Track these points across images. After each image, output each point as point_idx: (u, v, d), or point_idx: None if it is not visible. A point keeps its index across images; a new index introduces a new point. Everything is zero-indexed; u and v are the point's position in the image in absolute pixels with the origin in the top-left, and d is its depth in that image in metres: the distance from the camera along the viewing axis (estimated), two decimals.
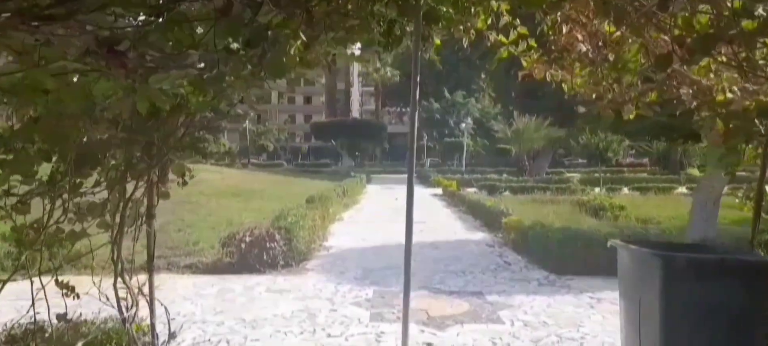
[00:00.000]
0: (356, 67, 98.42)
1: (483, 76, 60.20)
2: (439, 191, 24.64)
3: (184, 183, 3.58)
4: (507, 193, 22.83)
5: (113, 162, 2.88)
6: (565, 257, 7.46)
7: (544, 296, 6.24)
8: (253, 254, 7.56)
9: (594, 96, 3.09)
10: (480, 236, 11.14)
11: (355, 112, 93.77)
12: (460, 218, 14.41)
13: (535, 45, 3.50)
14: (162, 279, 7.02)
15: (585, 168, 45.34)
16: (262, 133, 76.07)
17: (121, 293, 3.23)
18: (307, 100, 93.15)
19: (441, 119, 58.12)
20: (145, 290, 3.72)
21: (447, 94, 57.62)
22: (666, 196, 20.59)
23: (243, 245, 7.55)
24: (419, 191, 27.80)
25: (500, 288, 6.58)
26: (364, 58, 3.22)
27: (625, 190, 23.72)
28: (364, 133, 56.50)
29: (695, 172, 33.81)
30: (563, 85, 3.40)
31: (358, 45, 3.59)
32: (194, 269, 7.71)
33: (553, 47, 3.33)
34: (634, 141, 31.73)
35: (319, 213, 11.29)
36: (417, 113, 4.08)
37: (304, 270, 7.66)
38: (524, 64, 3.57)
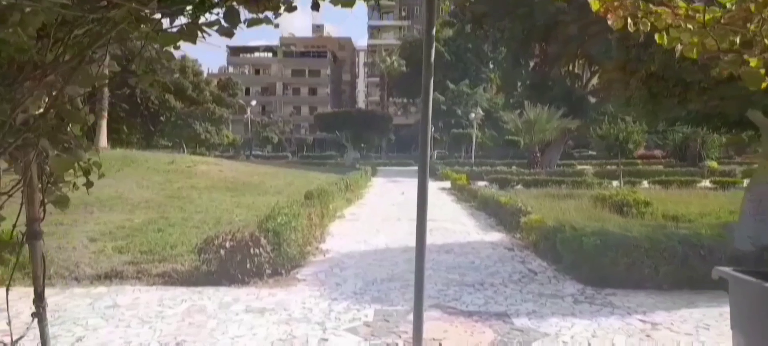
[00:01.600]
0: (362, 57, 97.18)
1: (491, 65, 58.90)
2: (448, 184, 23.45)
3: (89, 185, 2.43)
4: (519, 186, 21.65)
5: None
6: (603, 267, 6.29)
7: (584, 318, 5.07)
8: (234, 262, 6.44)
9: (723, 46, 1.91)
10: (496, 236, 9.96)
11: (361, 104, 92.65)
12: (473, 215, 13.23)
13: None
14: (126, 293, 5.92)
15: (595, 160, 44.00)
16: (267, 125, 75.23)
17: None
18: (313, 91, 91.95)
19: (448, 110, 56.77)
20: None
21: (451, 85, 56.21)
22: (690, 190, 19.30)
23: (222, 252, 6.42)
24: None
25: (529, 307, 5.41)
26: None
27: (645, 183, 22.41)
28: (370, 124, 55.31)
29: (714, 164, 32.46)
30: (658, 37, 2.20)
31: None
32: (167, 278, 6.59)
33: None
34: (650, 131, 30.43)
35: (317, 211, 10.17)
36: (432, 82, 2.93)
37: (293, 280, 6.52)
38: (593, 6, 2.38)
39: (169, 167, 19.55)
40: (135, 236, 8.75)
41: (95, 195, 13.26)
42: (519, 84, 38.78)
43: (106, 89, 32.00)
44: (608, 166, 34.08)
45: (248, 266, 6.44)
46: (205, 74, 61.24)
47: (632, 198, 13.79)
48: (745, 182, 16.92)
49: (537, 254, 8.20)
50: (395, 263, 7.43)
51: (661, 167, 33.72)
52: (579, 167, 35.02)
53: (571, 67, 36.91)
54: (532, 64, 36.95)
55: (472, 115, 39.88)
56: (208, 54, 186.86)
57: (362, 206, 15.51)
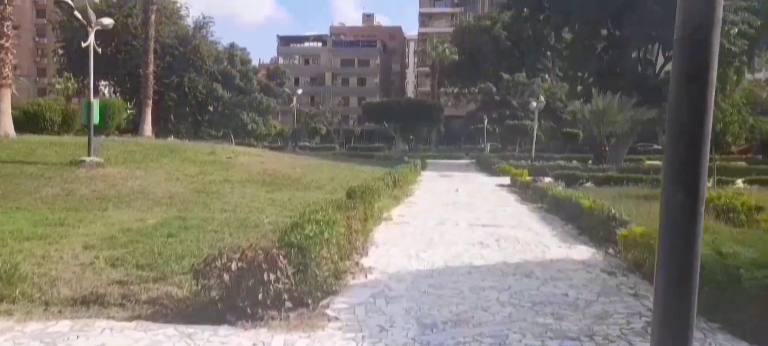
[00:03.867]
0: (412, 46, 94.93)
1: (549, 53, 55.50)
2: (507, 180, 21.24)
3: None
4: (589, 184, 19.16)
5: None
6: None
7: None
8: (243, 289, 4.74)
9: None
10: (585, 252, 7.87)
11: (410, 94, 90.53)
12: (544, 220, 11.12)
13: None
14: (92, 335, 4.29)
15: (662, 154, 40.18)
16: (315, 116, 74.47)
17: None
18: (361, 81, 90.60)
19: (501, 100, 54.02)
20: None
21: (505, 75, 53.50)
22: None
23: (227, 276, 4.73)
24: (482, 179, 24.45)
25: None
26: None
27: (739, 182, 19.44)
28: (419, 114, 53.25)
29: None
30: None
31: None
32: (157, 307, 4.97)
33: None
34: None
35: (360, 212, 8.39)
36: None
37: (321, 319, 4.75)
38: None
39: (207, 158, 18.30)
40: (139, 242, 7.21)
41: (117, 189, 12.00)
42: (581, 72, 35.85)
43: (151, 77, 31.46)
44: None
45: (261, 296, 4.73)
46: (256, 64, 60.88)
47: (740, 202, 11.31)
48: None
49: (648, 280, 6.11)
50: (459, 293, 5.54)
51: (743, 164, 30.10)
52: (648, 163, 31.82)
53: (642, 53, 33.67)
54: (598, 49, 33.91)
55: (533, 104, 36.97)
56: (259, 45, 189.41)
57: (412, 205, 13.65)
